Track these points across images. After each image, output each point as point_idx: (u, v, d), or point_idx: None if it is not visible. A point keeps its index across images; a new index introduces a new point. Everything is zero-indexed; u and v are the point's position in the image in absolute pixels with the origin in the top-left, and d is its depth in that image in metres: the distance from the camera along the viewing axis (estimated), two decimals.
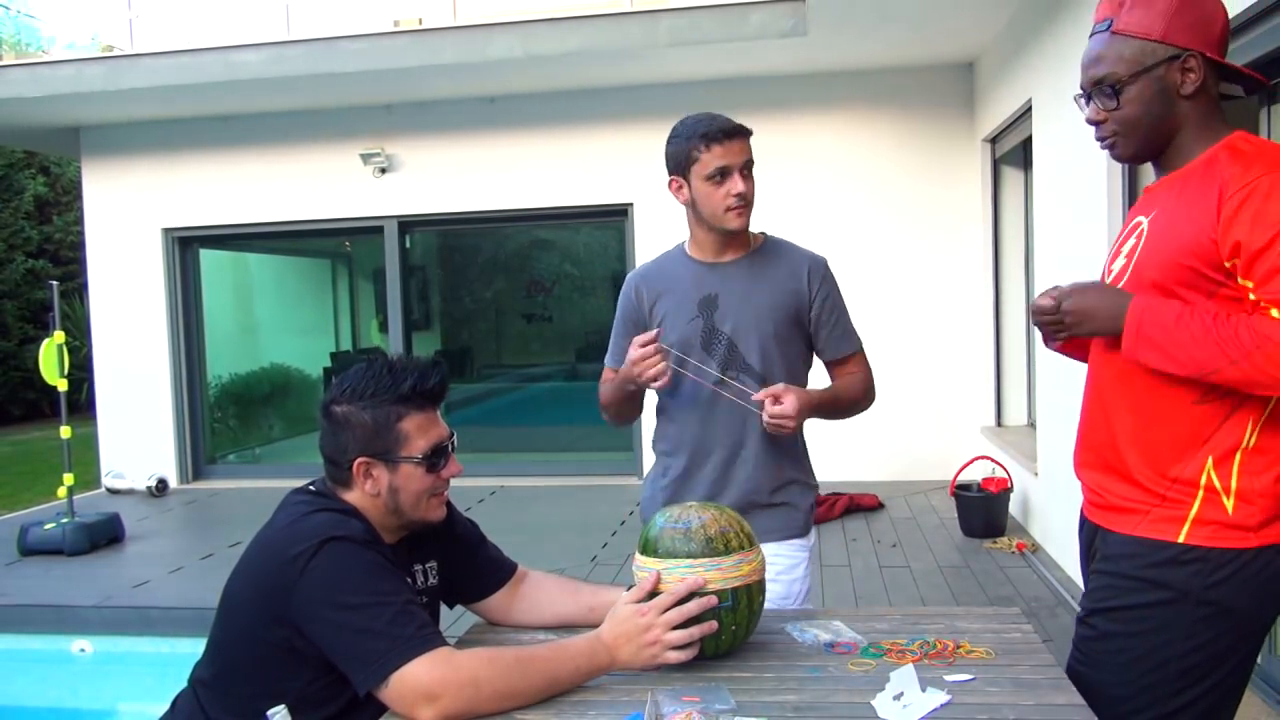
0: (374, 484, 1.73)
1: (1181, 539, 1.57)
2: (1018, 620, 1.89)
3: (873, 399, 2.39)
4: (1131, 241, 1.68)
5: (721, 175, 2.17)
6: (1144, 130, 1.64)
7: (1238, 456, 1.56)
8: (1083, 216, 4.52)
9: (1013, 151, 6.48)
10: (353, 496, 1.75)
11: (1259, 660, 3.34)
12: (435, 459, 1.75)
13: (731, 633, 1.69)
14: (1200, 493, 1.57)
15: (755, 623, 1.74)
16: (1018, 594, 4.60)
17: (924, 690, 1.51)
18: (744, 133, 2.19)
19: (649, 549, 1.72)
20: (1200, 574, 1.55)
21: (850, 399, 2.34)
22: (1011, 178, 6.86)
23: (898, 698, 1.50)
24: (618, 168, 7.57)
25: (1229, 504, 1.55)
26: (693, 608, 1.63)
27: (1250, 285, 1.50)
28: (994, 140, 6.81)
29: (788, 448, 2.31)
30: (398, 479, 1.73)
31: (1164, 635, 1.58)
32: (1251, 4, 2.89)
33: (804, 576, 2.32)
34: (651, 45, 6.39)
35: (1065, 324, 1.65)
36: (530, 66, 6.80)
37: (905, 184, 7.25)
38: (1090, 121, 1.69)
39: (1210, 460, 1.57)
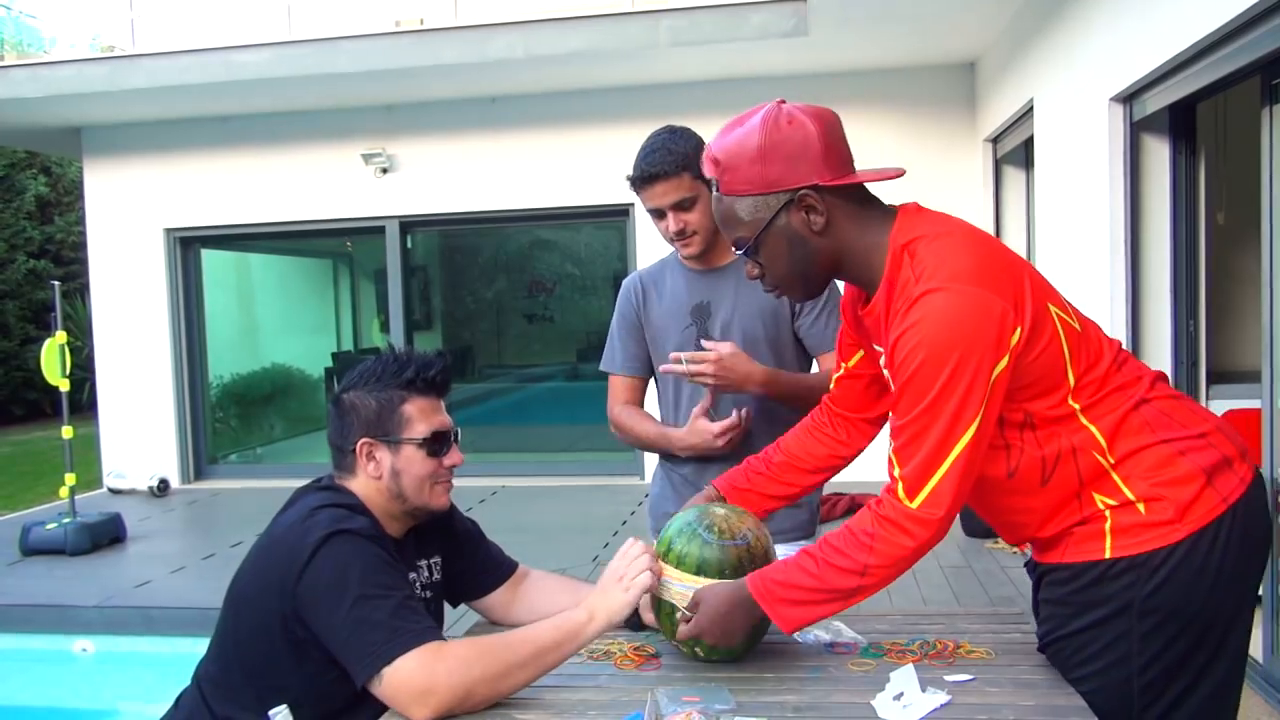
0: (376, 466, 1.76)
1: (1108, 554, 1.50)
2: (1018, 620, 1.89)
3: None
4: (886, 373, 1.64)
5: (656, 215, 2.21)
6: (798, 275, 1.59)
7: (1114, 476, 1.50)
8: (1084, 216, 4.52)
9: (1014, 151, 6.48)
10: (357, 483, 1.77)
11: (1259, 659, 3.34)
12: (436, 444, 1.78)
13: (743, 644, 1.69)
14: (1107, 513, 1.51)
15: (756, 643, 1.73)
16: (1018, 594, 4.59)
17: (924, 690, 1.51)
18: (663, 175, 2.14)
19: (660, 544, 1.71)
20: (1136, 584, 1.48)
21: (811, 386, 2.19)
22: (1013, 178, 6.85)
23: (898, 698, 1.50)
24: (618, 168, 7.49)
25: (1140, 508, 1.49)
26: (648, 580, 1.65)
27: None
28: (995, 140, 6.81)
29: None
30: (399, 461, 1.75)
31: (1116, 653, 1.50)
32: (1252, 4, 2.88)
33: None
34: (651, 45, 6.39)
35: (713, 642, 1.63)
36: (531, 66, 6.80)
37: (906, 184, 7.13)
38: (749, 278, 1.64)
39: (1094, 494, 1.52)
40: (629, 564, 1.68)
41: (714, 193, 1.58)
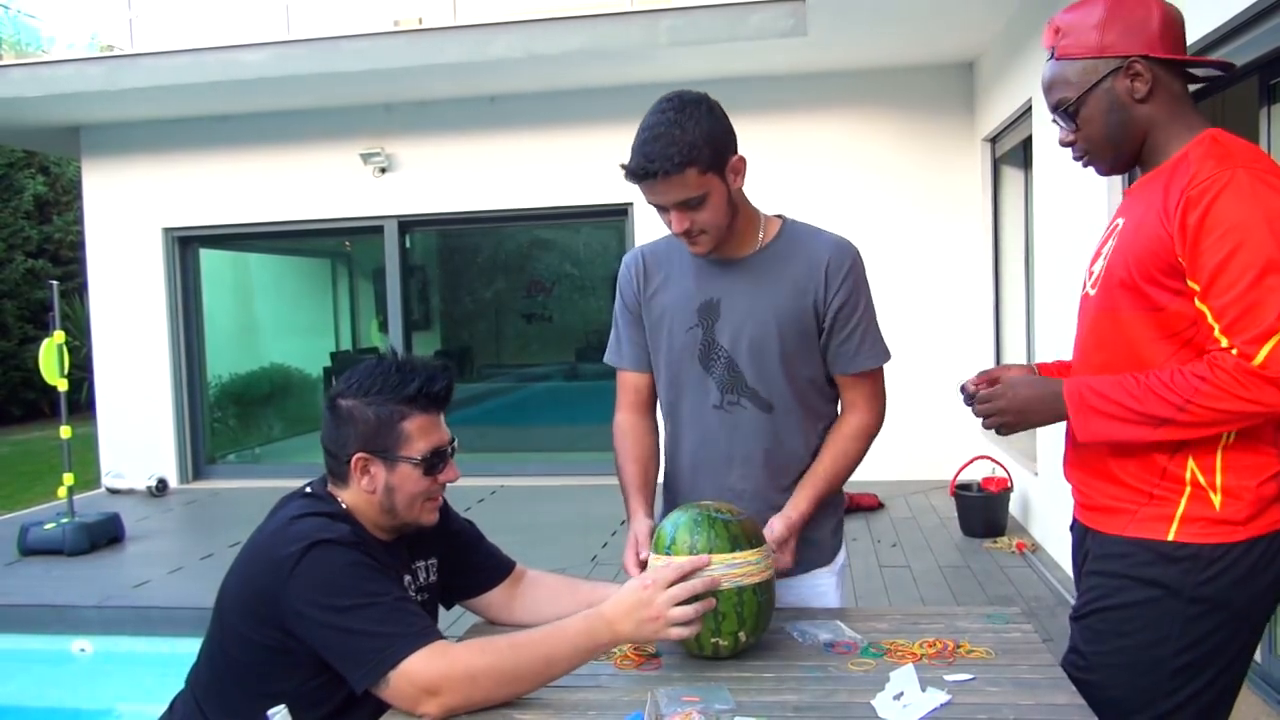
0: (370, 481, 1.73)
1: (1171, 536, 1.57)
2: (1018, 620, 1.89)
3: (872, 440, 2.02)
4: (1110, 243, 1.69)
5: (657, 208, 1.89)
6: (1110, 143, 1.66)
7: (1219, 455, 1.56)
8: (1083, 216, 4.52)
9: (1013, 151, 6.48)
10: (348, 494, 1.75)
11: (1258, 659, 3.35)
12: (433, 462, 1.75)
13: (746, 638, 1.69)
14: (1186, 489, 1.57)
15: (764, 626, 1.73)
16: (1018, 594, 4.60)
17: (924, 690, 1.51)
18: (663, 174, 1.79)
19: (658, 546, 1.71)
20: (1191, 571, 1.56)
21: (847, 467, 1.97)
22: (1011, 177, 6.86)
23: (898, 698, 1.50)
24: (618, 168, 7.55)
25: (1216, 500, 1.56)
26: (697, 585, 1.61)
27: (1196, 288, 1.51)
28: (994, 140, 6.81)
29: (799, 468, 1.98)
30: (394, 478, 1.73)
31: (1157, 633, 1.58)
32: (1252, 3, 2.89)
33: (827, 606, 2.06)
34: (651, 45, 6.39)
35: (1007, 422, 1.71)
36: (530, 66, 6.80)
37: (905, 184, 7.25)
38: (1062, 144, 1.72)
39: (1191, 460, 1.57)
40: (665, 603, 1.59)
41: (1049, 59, 1.67)
